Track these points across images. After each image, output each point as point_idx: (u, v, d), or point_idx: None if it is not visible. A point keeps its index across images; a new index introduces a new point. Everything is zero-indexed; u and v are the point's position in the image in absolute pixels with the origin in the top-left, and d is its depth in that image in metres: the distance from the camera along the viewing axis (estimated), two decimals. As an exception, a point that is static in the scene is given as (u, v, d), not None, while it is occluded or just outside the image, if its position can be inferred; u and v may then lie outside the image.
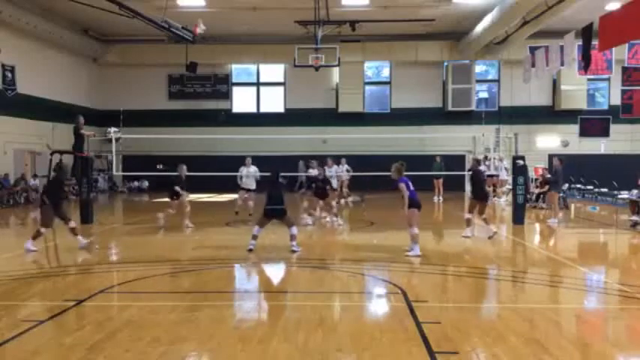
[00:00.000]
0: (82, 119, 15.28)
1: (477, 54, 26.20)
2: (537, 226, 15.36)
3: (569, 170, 20.00)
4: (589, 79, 26.28)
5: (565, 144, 26.68)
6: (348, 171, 19.51)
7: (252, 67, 28.96)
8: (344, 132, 25.69)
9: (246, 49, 27.01)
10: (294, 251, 10.15)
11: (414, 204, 10.02)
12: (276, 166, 11.48)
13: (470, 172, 13.45)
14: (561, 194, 16.13)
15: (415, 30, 25.37)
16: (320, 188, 14.53)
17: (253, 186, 15.57)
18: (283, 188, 10.65)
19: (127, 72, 28.11)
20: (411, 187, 10.06)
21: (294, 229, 10.38)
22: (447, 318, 6.15)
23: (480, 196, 12.38)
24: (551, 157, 25.41)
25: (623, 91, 21.82)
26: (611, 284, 8.33)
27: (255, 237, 10.29)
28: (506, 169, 21.22)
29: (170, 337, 5.51)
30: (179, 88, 28.56)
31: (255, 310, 6.92)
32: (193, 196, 23.80)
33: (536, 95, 26.98)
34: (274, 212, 10.30)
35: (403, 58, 27.25)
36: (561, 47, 15.07)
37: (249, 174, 15.35)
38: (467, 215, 12.46)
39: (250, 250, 10.10)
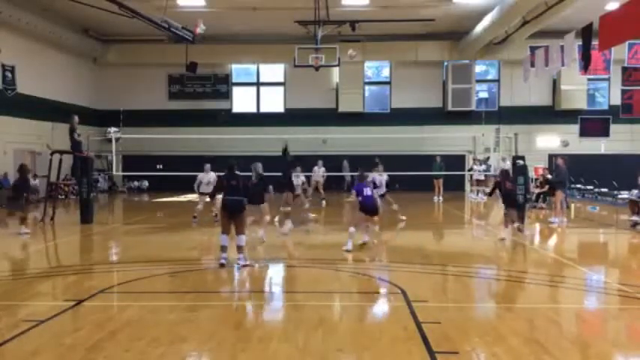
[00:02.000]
0: (76, 119, 15.23)
1: (476, 54, 26.18)
2: (537, 226, 15.36)
3: (569, 170, 19.98)
4: (589, 79, 26.28)
5: (565, 144, 26.66)
6: (323, 176, 19.71)
7: (252, 67, 28.94)
8: (344, 132, 25.69)
9: (246, 49, 27.00)
10: (240, 265, 8.84)
11: (362, 208, 10.79)
12: (234, 158, 10.84)
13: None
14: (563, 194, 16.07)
15: (415, 30, 25.36)
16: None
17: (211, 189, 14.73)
18: (243, 181, 9.26)
19: (127, 72, 28.09)
20: (367, 193, 10.80)
21: (242, 239, 8.97)
22: (447, 318, 6.15)
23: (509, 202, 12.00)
24: (551, 157, 25.41)
25: (623, 91, 21.84)
26: (611, 284, 8.33)
27: (224, 248, 9.00)
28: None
29: (170, 337, 5.51)
30: (179, 88, 28.55)
31: (255, 310, 6.92)
32: (192, 196, 23.89)
33: (536, 95, 26.94)
34: (233, 204, 9.01)
35: (403, 58, 27.24)
36: (561, 47, 15.06)
37: (209, 182, 14.65)
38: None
39: (222, 265, 8.89)
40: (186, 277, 8.49)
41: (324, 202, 19.33)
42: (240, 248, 8.97)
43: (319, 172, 19.84)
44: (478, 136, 25.73)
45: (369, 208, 10.79)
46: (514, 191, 12.38)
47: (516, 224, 11.89)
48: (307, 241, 12.07)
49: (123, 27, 22.85)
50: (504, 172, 12.86)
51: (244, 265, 8.85)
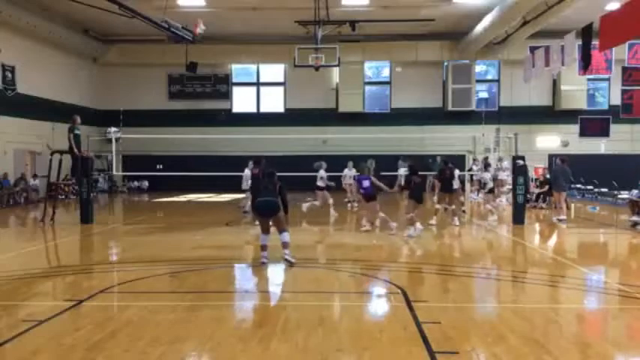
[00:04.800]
0: (78, 119, 15.19)
1: (477, 54, 26.19)
2: (537, 226, 15.37)
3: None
4: (589, 79, 26.28)
5: (565, 144, 26.67)
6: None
7: (252, 67, 28.96)
8: (344, 132, 25.68)
9: (246, 49, 27.01)
10: (288, 261, 9.02)
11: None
12: (273, 163, 11.41)
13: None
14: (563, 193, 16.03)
15: (415, 30, 25.37)
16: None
17: None
18: (279, 184, 9.27)
19: (127, 72, 28.11)
20: (365, 185, 12.41)
21: (286, 236, 9.10)
22: (447, 318, 6.14)
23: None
24: (551, 157, 25.41)
25: (624, 91, 21.80)
26: (611, 284, 8.33)
27: (264, 247, 9.16)
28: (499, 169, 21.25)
29: (170, 337, 5.51)
30: (179, 88, 28.56)
31: (255, 310, 6.91)
32: (192, 196, 23.92)
33: (536, 95, 26.96)
34: (267, 205, 9.05)
35: (403, 58, 27.24)
36: (561, 47, 15.05)
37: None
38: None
39: (263, 264, 9.02)
40: (186, 277, 8.49)
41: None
42: (284, 244, 9.11)
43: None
44: (478, 136, 25.73)
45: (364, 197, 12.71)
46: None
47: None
48: (308, 241, 12.08)
49: (123, 27, 22.86)
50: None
51: (288, 261, 9.00)
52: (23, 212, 18.96)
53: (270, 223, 9.21)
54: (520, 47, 23.44)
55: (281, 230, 9.17)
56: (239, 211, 16.70)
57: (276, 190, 9.17)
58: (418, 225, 12.15)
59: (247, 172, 15.51)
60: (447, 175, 14.56)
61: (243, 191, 16.01)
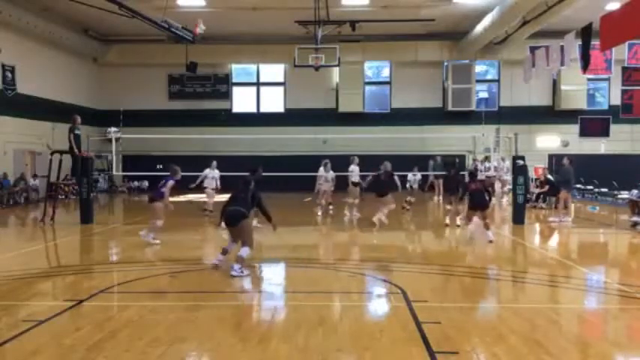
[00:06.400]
0: (78, 119, 15.19)
1: (476, 54, 26.18)
2: (537, 226, 15.37)
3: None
4: (589, 79, 26.28)
5: (565, 144, 26.64)
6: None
7: (252, 67, 28.94)
8: (344, 132, 25.64)
9: (246, 49, 27.00)
10: (233, 276, 8.24)
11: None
12: (256, 167, 11.07)
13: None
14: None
15: (415, 30, 25.36)
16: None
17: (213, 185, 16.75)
18: (253, 193, 8.81)
19: (127, 72, 28.10)
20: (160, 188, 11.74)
21: (245, 251, 8.45)
22: (447, 318, 6.15)
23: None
24: (551, 157, 25.42)
25: (624, 91, 21.82)
26: (611, 284, 8.33)
27: (225, 251, 8.82)
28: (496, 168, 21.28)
29: (170, 337, 5.51)
30: (179, 88, 28.55)
31: (255, 310, 6.92)
32: (192, 196, 23.92)
33: (536, 95, 26.96)
34: (230, 215, 8.61)
35: (403, 58, 27.23)
36: (561, 47, 15.06)
37: (213, 177, 16.59)
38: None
39: (215, 266, 8.76)
40: (186, 277, 8.49)
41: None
42: (238, 258, 8.42)
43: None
44: (478, 136, 25.72)
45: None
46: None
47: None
48: (307, 241, 12.08)
49: (123, 27, 22.85)
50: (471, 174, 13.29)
51: (233, 275, 8.26)
52: (23, 212, 18.96)
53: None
54: (520, 47, 23.44)
55: (242, 243, 8.58)
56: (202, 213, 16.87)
57: (248, 199, 8.68)
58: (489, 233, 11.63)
59: (207, 170, 16.72)
60: (453, 177, 14.86)
61: (203, 189, 16.89)
